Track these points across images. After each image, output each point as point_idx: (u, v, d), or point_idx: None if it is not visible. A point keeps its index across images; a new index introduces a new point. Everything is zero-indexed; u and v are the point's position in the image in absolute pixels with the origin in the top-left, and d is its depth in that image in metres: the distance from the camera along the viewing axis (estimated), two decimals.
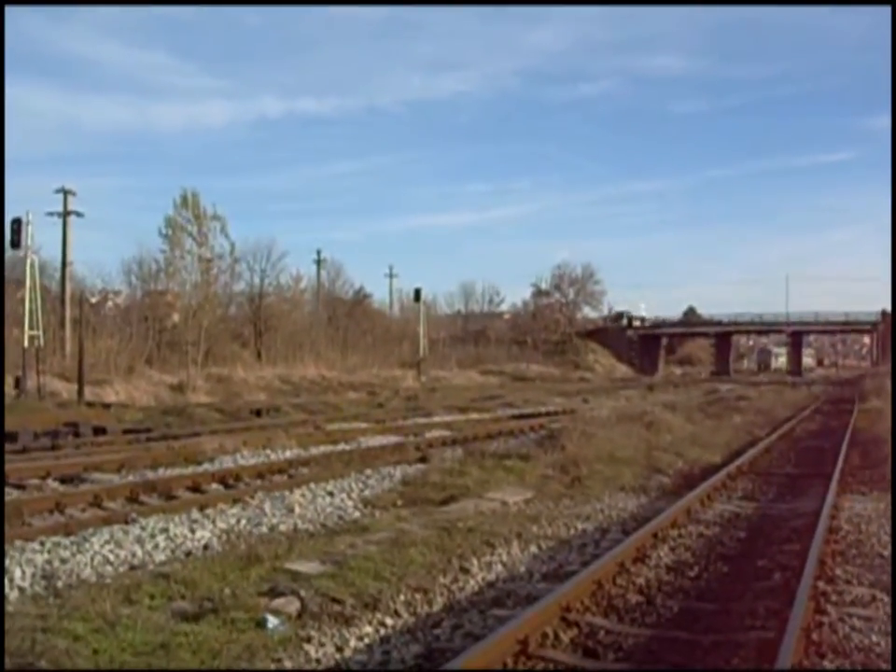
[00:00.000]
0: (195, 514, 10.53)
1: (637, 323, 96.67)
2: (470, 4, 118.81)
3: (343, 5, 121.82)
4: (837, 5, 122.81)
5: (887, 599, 6.88)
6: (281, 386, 39.84)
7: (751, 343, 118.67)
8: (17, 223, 28.37)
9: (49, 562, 8.09)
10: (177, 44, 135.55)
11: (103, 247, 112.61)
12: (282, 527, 9.89)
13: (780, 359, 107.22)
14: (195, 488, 12.34)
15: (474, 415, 27.80)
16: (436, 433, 20.89)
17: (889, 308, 68.39)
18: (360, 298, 70.49)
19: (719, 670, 5.46)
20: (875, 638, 5.93)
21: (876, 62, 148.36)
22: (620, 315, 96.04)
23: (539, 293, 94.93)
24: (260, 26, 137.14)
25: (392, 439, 19.43)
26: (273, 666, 5.36)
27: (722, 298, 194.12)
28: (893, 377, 33.70)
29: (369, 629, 6.12)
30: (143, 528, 9.63)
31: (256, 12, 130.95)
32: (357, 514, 10.89)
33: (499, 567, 8.05)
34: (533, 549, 8.84)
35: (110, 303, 49.72)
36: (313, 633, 5.94)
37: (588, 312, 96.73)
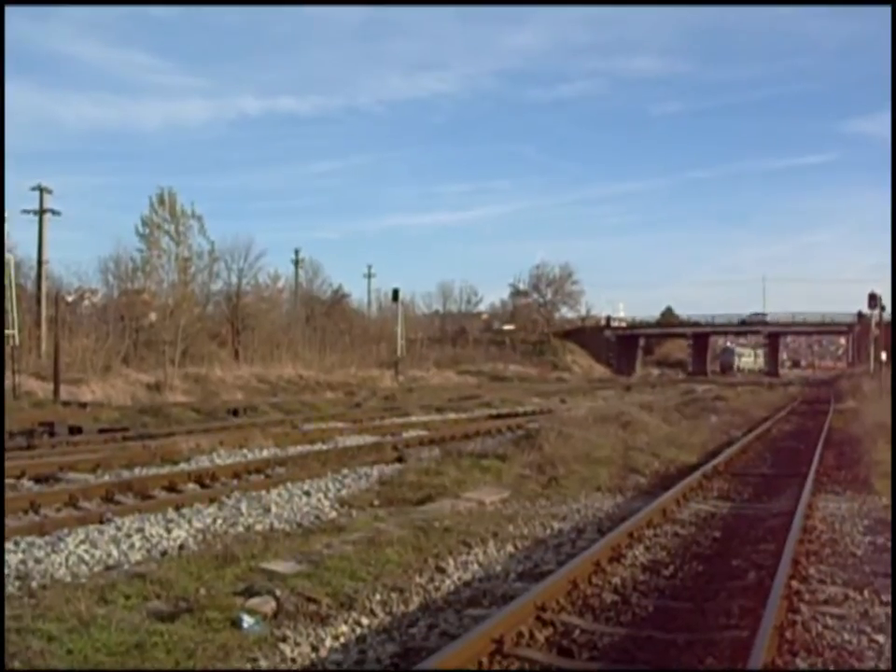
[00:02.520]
0: (171, 514, 10.48)
1: (616, 324, 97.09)
2: (451, 3, 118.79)
3: (323, 5, 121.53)
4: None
5: (859, 598, 6.95)
6: (258, 386, 39.71)
7: (728, 343, 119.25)
8: None
9: (23, 562, 8.03)
10: (156, 42, 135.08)
11: (79, 246, 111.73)
12: (258, 527, 9.85)
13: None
14: (171, 488, 12.30)
15: (451, 415, 27.81)
16: (413, 433, 20.90)
17: (864, 310, 68.85)
18: (338, 297, 70.52)
19: (691, 670, 5.50)
20: (847, 637, 5.99)
21: (854, 66, 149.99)
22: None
23: (517, 293, 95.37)
24: (239, 25, 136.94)
25: (369, 439, 19.40)
26: (248, 666, 5.36)
27: (700, 299, 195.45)
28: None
29: (344, 628, 6.11)
30: (118, 528, 9.57)
31: (234, 11, 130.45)
32: (333, 514, 10.86)
33: (475, 567, 8.06)
34: (509, 548, 8.86)
35: (87, 302, 49.25)
36: (288, 632, 5.93)
37: (566, 312, 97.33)
